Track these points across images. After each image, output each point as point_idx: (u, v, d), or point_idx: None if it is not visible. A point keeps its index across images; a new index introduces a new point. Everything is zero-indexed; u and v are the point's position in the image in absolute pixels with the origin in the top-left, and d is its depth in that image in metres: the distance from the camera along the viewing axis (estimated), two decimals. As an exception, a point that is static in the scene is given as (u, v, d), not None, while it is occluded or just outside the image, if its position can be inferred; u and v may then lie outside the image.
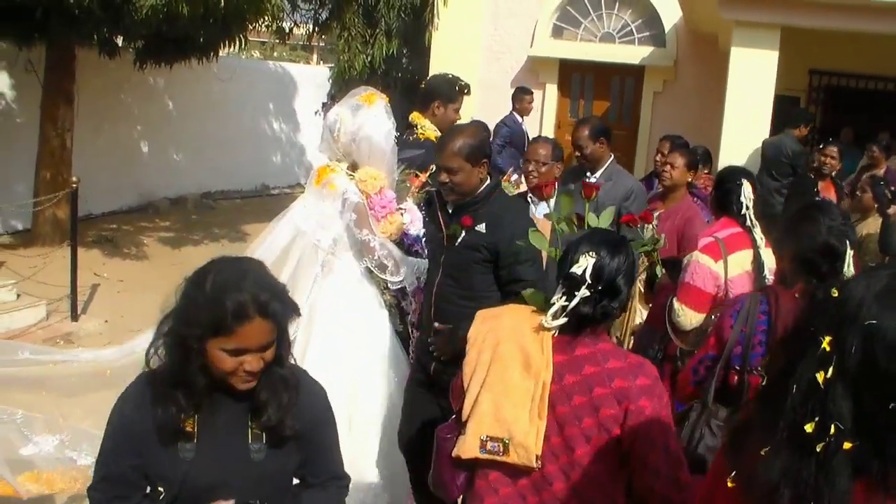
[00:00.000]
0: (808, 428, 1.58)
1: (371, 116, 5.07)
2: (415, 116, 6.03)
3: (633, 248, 3.12)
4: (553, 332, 2.81)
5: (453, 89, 6.14)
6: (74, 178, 8.63)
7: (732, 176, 4.88)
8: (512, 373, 2.79)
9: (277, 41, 17.50)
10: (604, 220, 3.53)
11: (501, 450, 2.75)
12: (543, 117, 14.00)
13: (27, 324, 7.83)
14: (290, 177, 17.43)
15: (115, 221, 12.86)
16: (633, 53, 13.66)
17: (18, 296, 8.45)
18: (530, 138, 9.98)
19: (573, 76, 14.31)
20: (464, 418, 2.85)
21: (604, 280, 2.77)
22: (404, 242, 5.21)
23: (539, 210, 5.41)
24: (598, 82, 14.28)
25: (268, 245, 5.11)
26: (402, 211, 5.19)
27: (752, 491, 1.71)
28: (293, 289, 4.87)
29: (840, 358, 1.57)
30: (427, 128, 5.91)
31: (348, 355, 4.97)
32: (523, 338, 2.82)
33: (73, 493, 4.78)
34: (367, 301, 5.07)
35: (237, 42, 12.09)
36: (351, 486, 2.86)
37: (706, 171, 7.76)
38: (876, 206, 6.81)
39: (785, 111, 10.96)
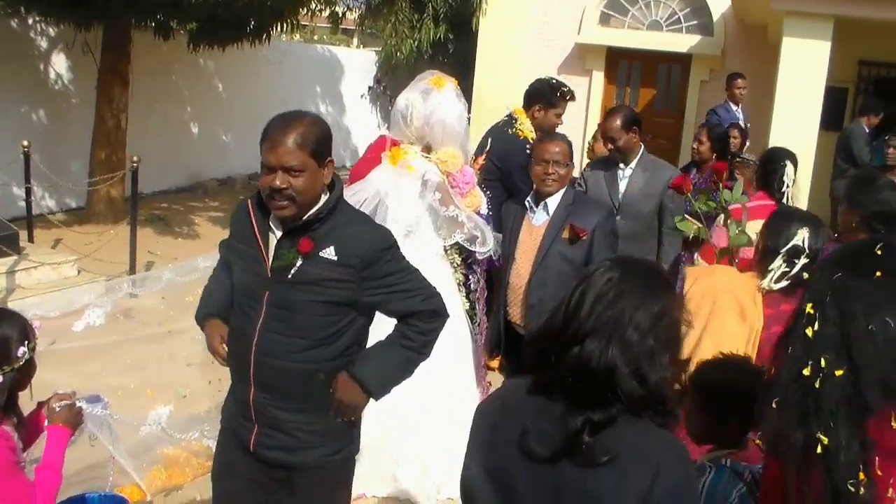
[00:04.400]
0: (806, 371, 1.92)
1: (443, 100, 5.21)
2: (518, 111, 6.26)
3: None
4: (763, 290, 3.39)
5: (555, 95, 6.36)
6: (135, 158, 8.80)
7: (778, 157, 5.28)
8: (730, 321, 3.29)
9: (328, 24, 17.62)
10: (736, 192, 4.38)
11: None
12: (589, 105, 14.04)
13: (88, 299, 8.03)
14: (336, 159, 17.56)
15: (165, 201, 13.08)
16: (681, 42, 13.65)
17: (79, 272, 8.67)
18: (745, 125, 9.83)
19: (620, 63, 14.33)
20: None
21: (813, 250, 3.38)
22: None
23: (537, 218, 4.85)
24: (644, 70, 14.30)
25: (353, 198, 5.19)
26: None
27: (774, 447, 2.03)
28: None
29: (822, 313, 1.95)
30: (525, 127, 6.12)
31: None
32: (738, 293, 3.38)
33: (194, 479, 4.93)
34: (447, 281, 5.21)
35: (288, 25, 12.25)
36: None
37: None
38: None
39: (834, 102, 11.01)
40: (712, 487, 2.58)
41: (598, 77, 14.25)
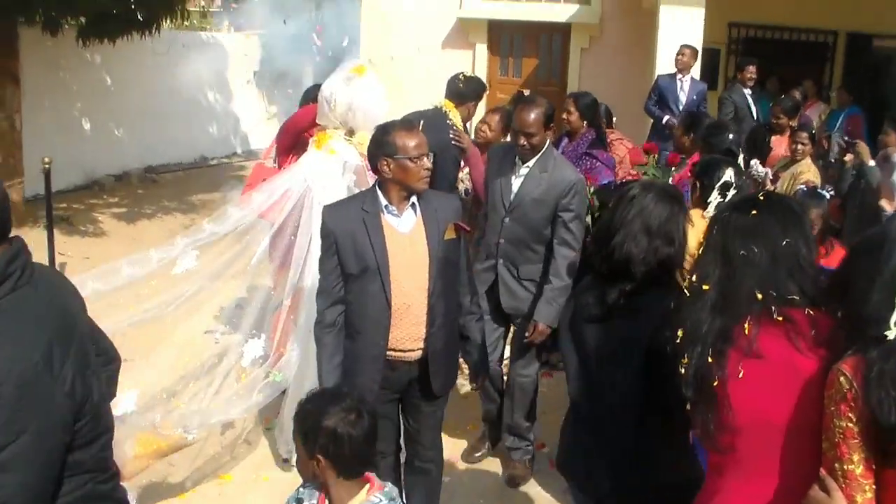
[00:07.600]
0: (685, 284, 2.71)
1: (363, 86, 5.55)
2: (448, 104, 6.50)
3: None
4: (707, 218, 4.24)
5: (483, 92, 6.94)
6: (46, 159, 8.64)
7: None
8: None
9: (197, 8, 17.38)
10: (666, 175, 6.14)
11: None
12: (476, 77, 14.35)
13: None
14: (227, 147, 17.52)
15: (64, 201, 12.73)
16: (560, 11, 14.06)
17: (-5, 277, 8.61)
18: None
19: (502, 35, 14.71)
20: None
21: (737, 185, 4.66)
22: None
23: (403, 224, 4.15)
24: (526, 41, 14.69)
25: (273, 187, 5.55)
26: None
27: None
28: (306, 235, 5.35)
29: (707, 242, 2.70)
30: (457, 120, 6.44)
31: None
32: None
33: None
34: None
35: (178, 15, 12.16)
36: None
37: (609, 128, 7.90)
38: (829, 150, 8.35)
39: (708, 63, 11.63)
40: None
41: (482, 49, 14.58)
